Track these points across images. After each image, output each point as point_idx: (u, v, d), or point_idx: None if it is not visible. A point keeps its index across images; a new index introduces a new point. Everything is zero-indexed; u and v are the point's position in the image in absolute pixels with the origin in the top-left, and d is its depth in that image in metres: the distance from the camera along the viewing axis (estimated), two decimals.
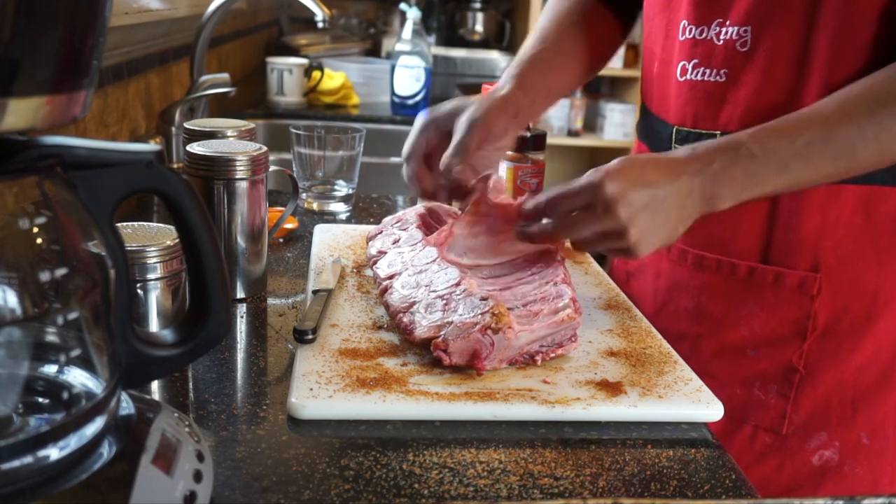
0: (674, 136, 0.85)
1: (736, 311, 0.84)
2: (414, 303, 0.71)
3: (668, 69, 0.86)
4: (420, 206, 0.90)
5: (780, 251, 0.81)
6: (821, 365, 0.81)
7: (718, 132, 0.81)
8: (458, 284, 0.70)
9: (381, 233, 0.87)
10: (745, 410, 0.83)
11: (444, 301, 0.69)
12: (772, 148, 0.70)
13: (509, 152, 0.99)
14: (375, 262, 0.81)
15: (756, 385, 0.83)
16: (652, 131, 0.91)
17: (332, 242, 0.96)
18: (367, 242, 0.88)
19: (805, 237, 0.79)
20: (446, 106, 0.86)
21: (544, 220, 0.74)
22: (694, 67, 0.83)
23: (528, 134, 1.00)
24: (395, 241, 0.83)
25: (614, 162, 0.71)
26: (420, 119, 0.86)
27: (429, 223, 0.88)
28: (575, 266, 0.93)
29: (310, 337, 0.68)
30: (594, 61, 0.98)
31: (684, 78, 0.84)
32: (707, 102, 0.82)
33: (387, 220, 0.90)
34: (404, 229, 0.85)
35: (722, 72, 0.80)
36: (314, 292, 0.78)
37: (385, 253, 0.82)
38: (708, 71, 0.82)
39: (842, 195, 0.77)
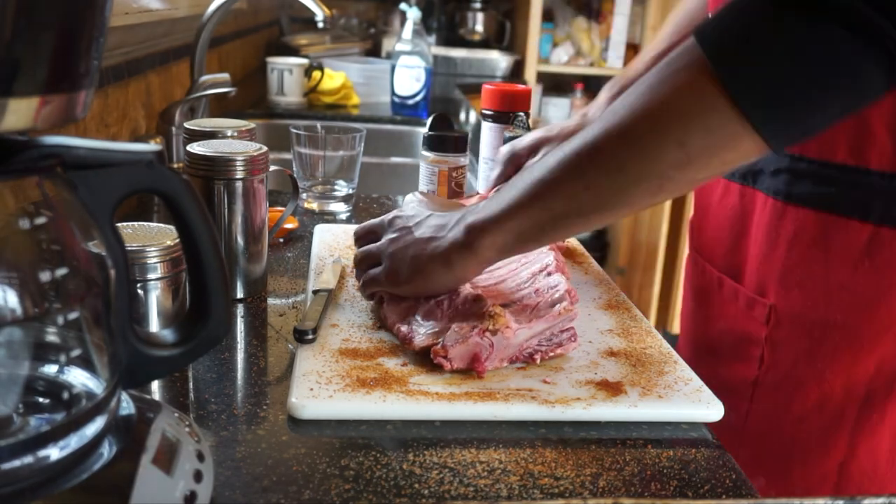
0: None
1: (712, 320, 0.84)
2: (410, 311, 0.71)
3: None
4: None
5: (737, 267, 0.79)
6: (764, 401, 0.76)
7: None
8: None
9: None
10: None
11: (440, 306, 0.69)
12: (528, 172, 0.62)
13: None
14: None
15: (725, 401, 0.81)
16: None
17: (332, 242, 0.96)
18: None
19: (752, 257, 0.76)
20: (527, 139, 0.88)
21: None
22: None
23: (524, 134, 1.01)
24: None
25: None
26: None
27: None
28: (575, 266, 0.93)
29: (310, 337, 0.68)
30: None
31: None
32: None
33: None
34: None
35: None
36: (314, 292, 0.78)
37: None
38: None
39: (785, 217, 0.73)
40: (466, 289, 0.70)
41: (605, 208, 0.59)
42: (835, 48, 0.50)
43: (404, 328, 0.69)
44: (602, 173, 0.57)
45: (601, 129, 0.57)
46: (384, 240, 0.72)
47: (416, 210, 0.73)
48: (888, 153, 0.66)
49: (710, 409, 0.64)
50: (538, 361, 0.68)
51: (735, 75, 0.52)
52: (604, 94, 0.91)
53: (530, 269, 0.74)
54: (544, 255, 0.75)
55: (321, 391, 0.61)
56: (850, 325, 0.71)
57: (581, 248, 1.01)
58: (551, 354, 0.68)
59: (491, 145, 1.06)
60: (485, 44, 3.19)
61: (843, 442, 0.74)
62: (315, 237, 0.98)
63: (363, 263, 0.74)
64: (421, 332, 0.68)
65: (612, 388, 0.65)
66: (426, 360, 0.67)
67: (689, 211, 2.96)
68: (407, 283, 0.69)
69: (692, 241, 0.90)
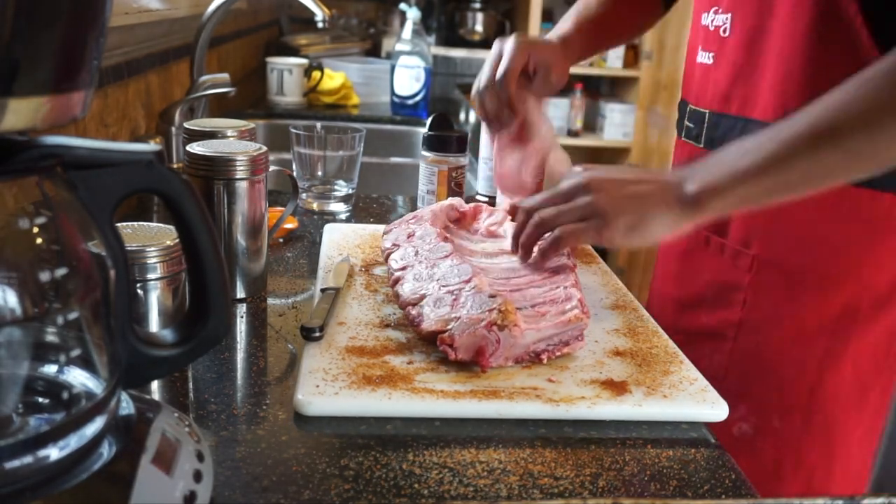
0: (687, 114, 0.94)
1: (697, 275, 0.92)
2: (424, 296, 0.71)
3: (692, 52, 0.95)
4: (436, 205, 0.91)
5: (723, 225, 0.88)
6: (747, 338, 0.86)
7: (707, 111, 0.89)
8: (468, 281, 0.71)
9: (397, 226, 0.88)
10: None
11: (454, 296, 0.70)
12: (751, 144, 0.69)
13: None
14: (389, 255, 0.82)
15: (706, 346, 0.88)
16: (681, 116, 0.98)
17: (341, 241, 0.96)
18: (383, 235, 0.89)
19: (737, 215, 0.85)
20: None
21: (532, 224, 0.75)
22: (701, 50, 0.91)
23: None
24: (410, 235, 0.84)
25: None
26: (511, 44, 0.91)
27: (443, 221, 0.89)
28: (583, 266, 0.93)
29: (317, 334, 0.69)
30: (632, 30, 1.11)
31: (698, 61, 0.92)
32: (702, 83, 0.91)
33: (406, 216, 0.91)
34: (420, 224, 0.86)
35: (710, 55, 0.89)
36: (322, 290, 0.78)
37: (399, 246, 0.83)
38: (704, 53, 0.90)
39: None
40: (483, 285, 0.70)
41: (831, 181, 0.68)
42: None
43: (414, 311, 0.70)
44: (839, 154, 0.66)
45: (838, 108, 0.65)
46: (590, 196, 0.72)
47: (611, 171, 0.75)
48: None
49: (714, 408, 0.64)
50: (545, 361, 0.68)
51: None
52: (566, 23, 1.01)
53: (549, 284, 0.75)
54: (564, 275, 0.76)
55: (327, 388, 0.61)
56: (820, 270, 0.82)
57: (589, 247, 1.01)
58: (557, 354, 0.68)
59: (491, 145, 1.07)
60: (485, 44, 3.19)
61: (813, 369, 0.84)
62: (324, 236, 0.98)
63: (559, 219, 0.74)
64: (431, 317, 0.68)
65: (616, 388, 0.65)
66: (432, 358, 0.67)
67: None
68: (626, 230, 0.71)
69: None
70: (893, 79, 0.64)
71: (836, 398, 0.85)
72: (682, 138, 0.96)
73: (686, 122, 0.94)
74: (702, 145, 0.91)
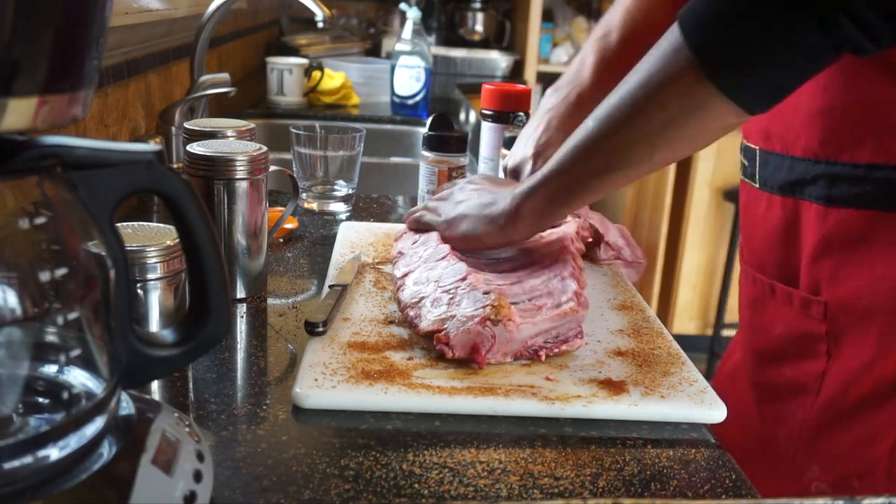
0: (742, 150, 0.88)
1: (771, 326, 0.85)
2: (422, 297, 0.72)
3: None
4: None
5: (791, 273, 0.82)
6: (829, 391, 0.79)
7: (756, 147, 0.84)
8: (463, 279, 0.71)
9: (405, 234, 0.89)
10: (773, 425, 0.83)
11: (450, 295, 0.70)
12: (560, 147, 0.73)
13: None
14: (396, 262, 0.83)
15: (791, 404, 0.82)
16: (741, 152, 0.93)
17: (354, 239, 0.97)
18: (395, 241, 0.90)
19: (804, 260, 0.80)
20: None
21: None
22: None
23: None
24: (415, 242, 0.85)
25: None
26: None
27: None
28: (594, 267, 0.94)
29: (320, 329, 0.69)
30: None
31: None
32: None
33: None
34: (424, 231, 0.87)
35: None
36: (330, 287, 0.79)
37: (404, 254, 0.84)
38: None
39: (829, 219, 0.76)
40: (478, 282, 0.70)
41: (613, 169, 0.69)
42: (789, 23, 0.57)
43: (413, 312, 0.71)
44: (605, 138, 0.67)
45: (607, 100, 0.67)
46: (451, 200, 0.85)
47: (481, 182, 0.86)
48: None
49: (712, 409, 0.63)
50: (543, 358, 0.68)
51: (702, 44, 0.60)
52: (589, 48, 0.94)
53: (547, 274, 0.75)
54: (562, 265, 0.76)
55: (325, 382, 0.62)
56: (893, 311, 0.75)
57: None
58: (556, 351, 0.68)
59: (491, 145, 1.07)
60: (485, 44, 3.19)
61: (894, 423, 0.77)
62: (339, 234, 0.99)
63: (428, 214, 0.88)
64: (429, 317, 0.69)
65: (614, 387, 0.65)
66: (432, 354, 0.67)
67: (689, 213, 2.96)
68: (462, 240, 0.81)
69: (743, 256, 0.92)
70: (646, 58, 0.65)
71: None
72: (741, 177, 0.89)
73: (742, 160, 0.88)
74: (757, 185, 0.85)
